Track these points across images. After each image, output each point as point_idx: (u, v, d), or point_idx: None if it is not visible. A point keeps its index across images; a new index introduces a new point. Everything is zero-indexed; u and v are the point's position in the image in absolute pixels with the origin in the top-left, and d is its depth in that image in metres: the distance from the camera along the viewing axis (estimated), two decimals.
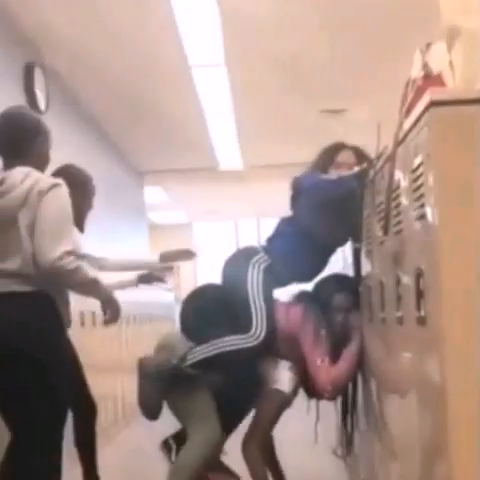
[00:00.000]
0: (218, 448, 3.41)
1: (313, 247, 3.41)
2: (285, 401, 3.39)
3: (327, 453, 3.69)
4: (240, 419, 3.61)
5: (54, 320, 2.73)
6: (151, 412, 3.28)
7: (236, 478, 3.69)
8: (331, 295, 3.36)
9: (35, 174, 2.69)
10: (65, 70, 5.43)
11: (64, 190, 2.69)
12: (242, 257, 3.44)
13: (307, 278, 3.56)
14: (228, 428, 3.54)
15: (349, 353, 3.25)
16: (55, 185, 2.66)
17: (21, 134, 2.78)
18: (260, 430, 3.42)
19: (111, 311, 2.98)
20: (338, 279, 3.47)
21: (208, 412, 3.24)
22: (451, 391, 1.79)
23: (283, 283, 3.52)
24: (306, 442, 3.65)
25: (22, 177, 2.64)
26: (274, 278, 3.41)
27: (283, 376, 3.36)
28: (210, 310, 3.37)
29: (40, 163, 2.80)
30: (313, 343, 3.28)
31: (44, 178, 2.72)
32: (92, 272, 2.81)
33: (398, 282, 2.30)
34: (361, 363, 3.26)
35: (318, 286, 3.49)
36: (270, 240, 3.55)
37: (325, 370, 3.22)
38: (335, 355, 3.27)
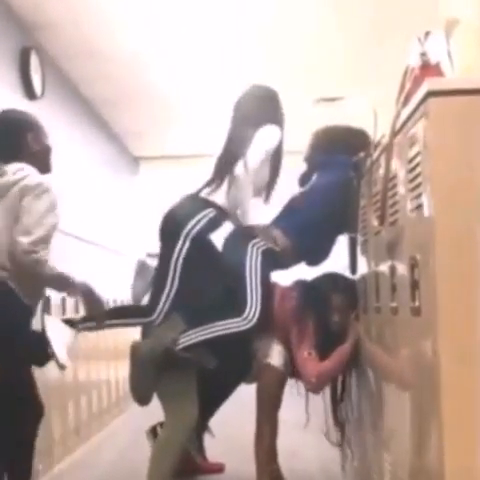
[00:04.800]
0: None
1: (322, 228, 3.40)
2: (280, 375, 3.40)
3: (319, 435, 3.70)
4: (226, 395, 3.64)
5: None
6: (142, 397, 3.27)
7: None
8: (328, 295, 3.34)
9: (27, 170, 2.73)
10: (61, 55, 5.40)
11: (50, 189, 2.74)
12: (242, 237, 3.37)
13: (312, 260, 3.54)
14: (213, 404, 3.56)
15: (341, 351, 3.24)
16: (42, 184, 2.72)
17: (9, 132, 2.83)
18: (265, 410, 3.42)
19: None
20: (336, 278, 3.45)
21: (188, 397, 3.23)
22: (445, 381, 1.79)
23: (286, 265, 3.49)
24: (297, 424, 3.66)
25: (14, 171, 2.72)
26: (276, 260, 3.38)
27: (273, 350, 3.37)
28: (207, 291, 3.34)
29: (36, 157, 2.85)
30: (302, 336, 3.28)
31: (33, 175, 2.75)
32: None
33: (393, 272, 2.30)
34: (354, 358, 3.25)
35: (315, 283, 3.47)
36: (279, 216, 3.50)
37: (311, 363, 3.23)
38: (330, 352, 3.26)
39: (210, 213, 3.30)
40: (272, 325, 3.33)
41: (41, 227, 2.66)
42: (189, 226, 3.25)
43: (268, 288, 3.33)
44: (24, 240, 2.63)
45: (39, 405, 2.93)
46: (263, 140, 3.32)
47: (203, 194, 3.36)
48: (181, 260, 3.25)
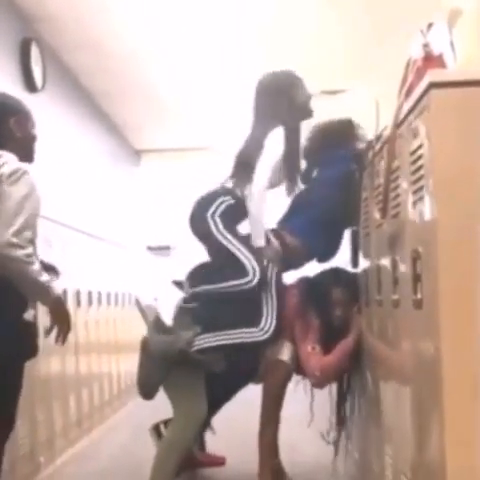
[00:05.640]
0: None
1: (328, 223, 3.38)
2: (287, 371, 3.40)
3: (321, 426, 3.70)
4: (230, 397, 3.64)
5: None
6: (148, 392, 3.27)
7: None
8: (330, 289, 3.34)
9: (6, 157, 2.61)
10: (62, 47, 5.38)
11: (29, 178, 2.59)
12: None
13: (323, 257, 3.52)
14: (216, 405, 3.56)
15: (344, 345, 3.24)
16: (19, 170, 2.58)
17: None
18: (271, 406, 3.41)
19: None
20: (337, 273, 3.44)
21: (197, 392, 3.23)
22: (447, 375, 1.79)
23: (297, 265, 3.49)
24: (302, 421, 3.66)
25: None
26: (287, 262, 3.37)
27: (283, 347, 3.37)
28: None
29: (18, 144, 2.71)
30: (305, 331, 3.28)
31: (11, 162, 2.61)
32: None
33: (395, 265, 2.29)
34: (357, 352, 3.24)
35: (317, 279, 3.46)
36: (285, 218, 3.49)
37: (315, 357, 3.23)
38: (333, 347, 3.26)
39: (229, 200, 3.34)
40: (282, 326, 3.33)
41: (20, 215, 2.51)
42: (211, 210, 3.31)
43: (281, 293, 3.32)
44: (5, 232, 2.47)
45: (12, 417, 2.74)
46: (269, 154, 3.33)
47: (226, 184, 3.41)
48: (223, 230, 3.28)
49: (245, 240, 3.30)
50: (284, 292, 3.37)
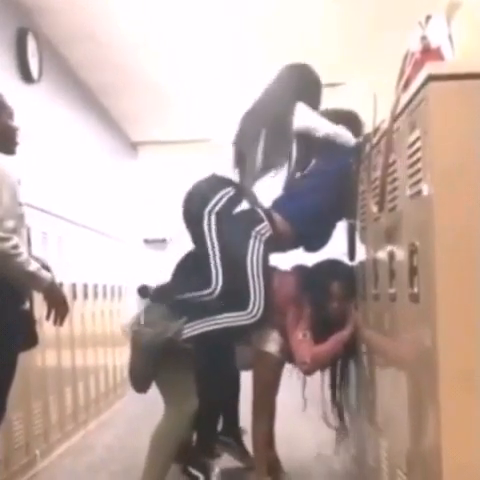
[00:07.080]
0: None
1: (321, 213, 3.35)
2: (276, 363, 3.38)
3: (316, 419, 3.69)
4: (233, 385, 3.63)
5: None
6: (141, 385, 3.26)
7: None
8: (328, 281, 3.33)
9: None
10: (59, 39, 5.35)
11: None
12: (244, 224, 3.30)
13: (311, 246, 3.51)
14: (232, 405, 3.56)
15: (338, 337, 3.23)
16: None
17: None
18: (261, 398, 3.40)
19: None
20: (334, 265, 3.43)
21: (187, 387, 3.21)
22: (443, 368, 1.79)
23: (286, 248, 3.47)
24: (295, 409, 3.65)
25: None
26: (276, 244, 3.34)
27: (268, 337, 3.36)
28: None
29: None
30: (297, 319, 3.26)
31: None
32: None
33: (392, 259, 2.29)
34: (352, 346, 3.24)
35: (315, 269, 3.45)
36: (278, 201, 3.46)
37: (305, 344, 3.21)
38: (327, 338, 3.25)
39: (230, 192, 3.28)
40: (271, 312, 3.31)
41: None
42: (210, 204, 3.24)
43: (268, 276, 3.30)
44: None
45: (3, 407, 2.72)
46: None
47: (220, 172, 3.35)
48: (214, 233, 3.23)
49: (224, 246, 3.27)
50: (271, 274, 3.34)
